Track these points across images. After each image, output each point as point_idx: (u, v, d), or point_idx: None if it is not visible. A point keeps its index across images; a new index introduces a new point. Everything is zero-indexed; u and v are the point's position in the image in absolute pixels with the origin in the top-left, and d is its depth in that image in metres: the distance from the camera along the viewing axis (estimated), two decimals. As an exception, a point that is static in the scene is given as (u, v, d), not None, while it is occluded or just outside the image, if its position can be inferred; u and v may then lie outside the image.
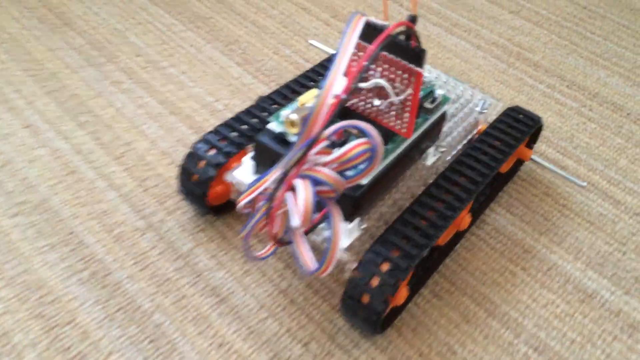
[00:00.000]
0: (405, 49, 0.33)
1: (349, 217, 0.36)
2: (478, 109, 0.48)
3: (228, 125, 0.44)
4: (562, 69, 0.67)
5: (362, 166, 0.29)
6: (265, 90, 0.58)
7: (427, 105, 0.40)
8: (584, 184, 0.50)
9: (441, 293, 0.43)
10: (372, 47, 0.29)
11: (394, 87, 0.34)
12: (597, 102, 0.63)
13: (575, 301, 0.44)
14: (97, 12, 0.64)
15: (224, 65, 0.60)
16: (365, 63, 0.29)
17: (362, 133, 0.28)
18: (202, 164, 0.41)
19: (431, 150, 0.44)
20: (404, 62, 0.33)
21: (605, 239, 0.49)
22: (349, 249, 0.38)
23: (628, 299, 0.45)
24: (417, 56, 0.33)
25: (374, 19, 0.32)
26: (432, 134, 0.42)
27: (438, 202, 0.40)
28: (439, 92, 0.40)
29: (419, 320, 0.41)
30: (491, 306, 0.43)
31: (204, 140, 0.43)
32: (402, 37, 0.33)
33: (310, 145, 0.28)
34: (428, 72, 0.50)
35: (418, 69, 0.33)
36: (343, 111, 0.36)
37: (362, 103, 0.37)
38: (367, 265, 0.36)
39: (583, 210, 0.51)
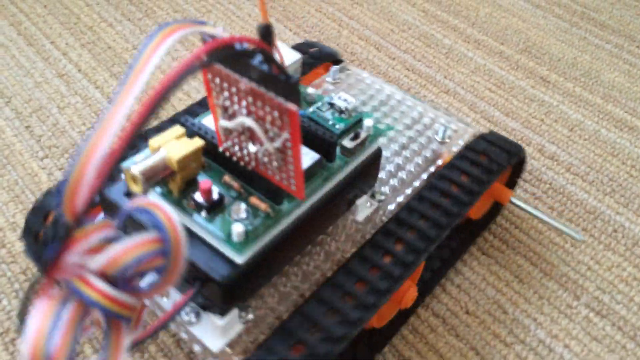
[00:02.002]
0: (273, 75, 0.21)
1: (220, 310, 0.25)
2: (438, 137, 0.37)
3: None
4: (632, 29, 0.61)
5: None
6: (306, 45, 0.55)
7: (347, 143, 0.28)
8: (581, 237, 0.35)
9: (490, 251, 0.39)
10: (169, 75, 0.17)
11: (265, 129, 0.23)
12: (671, 63, 0.57)
13: (645, 265, 0.39)
14: (137, -30, 0.63)
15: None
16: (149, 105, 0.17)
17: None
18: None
19: (363, 200, 0.32)
20: (271, 95, 0.22)
21: (680, 202, 0.43)
22: (233, 346, 0.27)
23: None
24: (288, 86, 0.21)
25: (208, 30, 0.20)
26: (360, 181, 0.30)
27: (371, 269, 0.29)
28: (367, 123, 0.29)
29: (465, 276, 0.37)
30: (547, 266, 0.38)
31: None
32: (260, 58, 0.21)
33: (64, 240, 0.17)
34: (374, 90, 0.40)
35: (290, 106, 0.21)
36: (220, 159, 0.27)
37: (237, 148, 0.26)
38: None
39: (655, 171, 0.46)
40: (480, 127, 0.48)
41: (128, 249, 0.18)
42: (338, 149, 0.29)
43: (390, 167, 0.35)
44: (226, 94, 0.24)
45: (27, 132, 0.44)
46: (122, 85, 0.18)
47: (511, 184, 0.40)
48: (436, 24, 0.59)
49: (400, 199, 0.34)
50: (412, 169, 0.35)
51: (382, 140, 0.36)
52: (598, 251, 0.40)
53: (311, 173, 0.27)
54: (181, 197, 0.26)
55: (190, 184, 0.26)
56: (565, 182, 0.44)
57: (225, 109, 0.25)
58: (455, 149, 0.37)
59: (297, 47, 0.43)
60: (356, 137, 0.29)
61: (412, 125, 0.38)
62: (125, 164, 0.25)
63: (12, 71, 0.49)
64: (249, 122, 0.24)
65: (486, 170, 0.35)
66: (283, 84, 0.21)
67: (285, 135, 0.23)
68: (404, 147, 0.36)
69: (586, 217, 0.42)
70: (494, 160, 0.36)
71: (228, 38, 0.19)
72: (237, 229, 0.24)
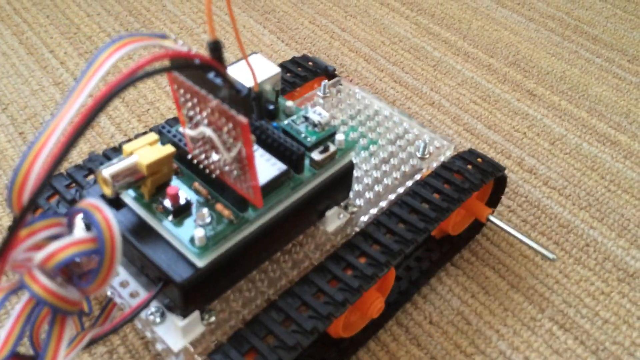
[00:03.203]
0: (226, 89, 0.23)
1: (181, 311, 0.27)
2: (418, 153, 0.38)
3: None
4: (625, 43, 0.61)
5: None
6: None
7: (316, 156, 0.30)
8: (554, 257, 0.35)
9: (459, 262, 0.40)
10: (111, 83, 0.18)
11: (223, 139, 0.25)
12: (662, 77, 0.57)
13: (613, 280, 0.39)
14: (138, -18, 0.65)
15: (257, 33, 0.59)
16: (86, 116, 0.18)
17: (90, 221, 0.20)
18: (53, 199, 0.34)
19: (334, 211, 0.33)
20: (225, 107, 0.23)
21: (656, 217, 0.44)
22: (195, 346, 0.28)
23: (677, 281, 0.39)
24: (241, 99, 0.22)
25: (165, 43, 0.21)
26: (330, 193, 0.31)
27: (331, 281, 0.30)
28: (339, 137, 0.31)
29: (432, 287, 0.38)
30: (515, 279, 0.39)
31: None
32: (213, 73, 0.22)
33: (10, 235, 0.18)
34: (363, 105, 0.41)
35: (241, 118, 0.23)
36: (192, 166, 0.28)
37: (203, 156, 0.27)
38: None
39: (633, 187, 0.46)
40: (466, 144, 0.49)
41: (64, 246, 0.19)
42: (307, 161, 0.30)
43: (367, 180, 0.36)
44: (190, 104, 0.25)
45: (20, 138, 0.46)
46: (70, 94, 0.19)
47: (494, 201, 0.41)
48: (427, 37, 0.60)
49: (374, 211, 0.34)
50: (390, 183, 0.36)
51: (362, 154, 0.37)
52: (568, 265, 0.40)
53: (277, 183, 0.28)
54: (152, 201, 0.27)
55: (162, 188, 0.28)
56: (541, 196, 0.45)
57: (190, 119, 0.26)
58: (435, 166, 0.37)
59: (294, 61, 0.45)
60: (325, 150, 0.30)
61: (395, 140, 0.39)
62: (100, 167, 0.27)
63: (12, 79, 0.51)
64: (209, 132, 0.25)
65: (458, 188, 0.35)
66: (235, 98, 0.23)
67: (239, 145, 0.24)
68: (384, 161, 0.37)
69: (559, 231, 0.42)
70: (467, 179, 0.36)
71: (172, 52, 0.21)
72: (199, 233, 0.25)
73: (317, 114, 0.31)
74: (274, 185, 0.28)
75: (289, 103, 0.33)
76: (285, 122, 0.31)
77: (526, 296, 0.38)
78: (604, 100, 0.54)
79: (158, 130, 0.29)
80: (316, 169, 0.30)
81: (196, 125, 0.26)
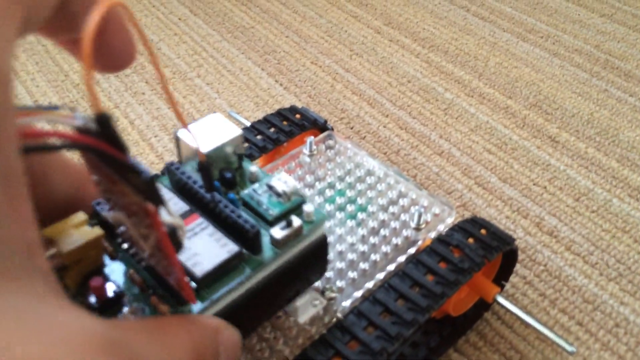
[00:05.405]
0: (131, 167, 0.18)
1: None
2: (413, 223, 0.33)
3: None
4: (662, 78, 0.55)
5: None
6: (294, 101, 0.52)
7: (276, 233, 0.24)
8: (572, 349, 0.29)
9: (464, 347, 0.34)
10: None
11: (137, 226, 0.20)
12: None
13: (648, 372, 0.33)
14: (134, 23, 0.62)
15: (254, 76, 0.55)
16: None
17: None
18: None
19: (306, 299, 0.28)
20: (130, 188, 0.18)
21: (700, 291, 0.37)
22: None
23: None
24: (144, 184, 0.17)
25: (53, 117, 0.16)
26: (298, 275, 0.27)
27: None
28: (307, 209, 0.26)
29: (428, 380, 0.33)
30: (529, 370, 0.33)
31: None
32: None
33: None
34: (354, 164, 0.36)
35: (147, 204, 0.18)
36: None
37: (130, 242, 0.23)
38: None
39: (672, 251, 0.40)
40: (477, 200, 0.43)
41: None
42: (267, 239, 0.25)
43: (352, 256, 0.31)
44: (102, 181, 0.22)
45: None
46: None
47: (505, 275, 0.35)
48: (439, 76, 0.55)
49: (358, 294, 0.30)
50: (378, 259, 0.31)
51: (349, 224, 0.33)
52: (593, 351, 0.34)
53: (229, 267, 0.24)
54: (78, 292, 0.23)
55: (91, 276, 0.23)
56: (563, 264, 0.39)
57: (107, 199, 0.22)
58: (433, 236, 0.32)
59: (279, 113, 0.40)
60: (288, 225, 0.25)
61: (388, 206, 0.34)
62: None
63: (-10, 133, 0.48)
64: (123, 218, 0.21)
65: (456, 268, 0.30)
66: (137, 182, 0.19)
67: (156, 234, 0.20)
68: (373, 232, 0.32)
69: (583, 308, 0.36)
70: (467, 257, 0.31)
71: (31, 131, 0.17)
72: None
73: (282, 181, 0.26)
74: (225, 270, 0.24)
75: (253, 168, 0.28)
76: (246, 191, 0.27)
77: (542, 392, 0.32)
78: (637, 147, 0.48)
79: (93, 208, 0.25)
80: (279, 248, 0.25)
81: (113, 206, 0.22)
